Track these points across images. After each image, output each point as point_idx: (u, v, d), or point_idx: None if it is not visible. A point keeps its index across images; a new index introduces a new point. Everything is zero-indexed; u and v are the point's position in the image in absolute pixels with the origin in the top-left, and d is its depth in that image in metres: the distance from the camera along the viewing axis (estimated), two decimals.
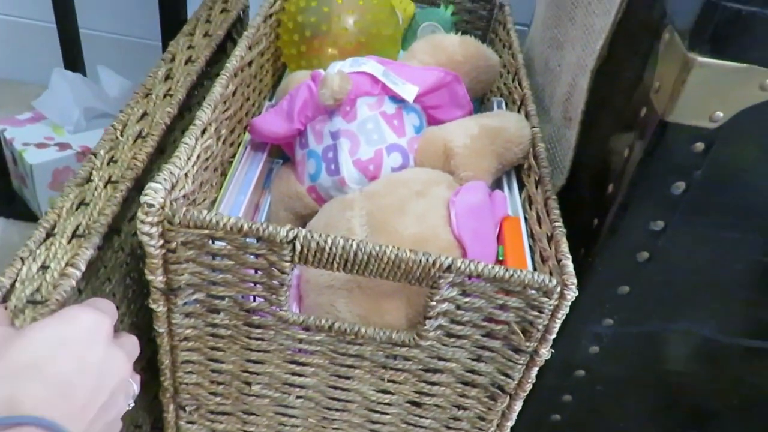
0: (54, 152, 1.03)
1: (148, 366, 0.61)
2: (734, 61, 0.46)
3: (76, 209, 0.53)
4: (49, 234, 0.51)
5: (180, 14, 1.07)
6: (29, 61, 1.36)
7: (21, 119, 1.09)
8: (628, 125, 0.55)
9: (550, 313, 0.50)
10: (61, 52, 1.15)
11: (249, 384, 0.60)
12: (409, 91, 0.64)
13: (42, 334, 0.39)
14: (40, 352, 0.38)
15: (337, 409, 0.62)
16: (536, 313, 0.51)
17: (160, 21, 1.08)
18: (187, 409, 0.63)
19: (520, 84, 0.74)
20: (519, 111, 0.71)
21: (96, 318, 0.41)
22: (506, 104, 0.79)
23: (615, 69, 0.61)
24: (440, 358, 0.56)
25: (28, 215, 1.10)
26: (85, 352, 0.39)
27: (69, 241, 0.51)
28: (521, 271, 0.48)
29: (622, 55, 0.60)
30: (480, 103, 0.84)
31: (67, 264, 0.48)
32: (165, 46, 1.06)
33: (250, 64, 0.71)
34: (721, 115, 0.48)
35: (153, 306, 0.53)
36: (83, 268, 0.48)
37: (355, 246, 0.47)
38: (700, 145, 0.50)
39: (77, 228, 0.52)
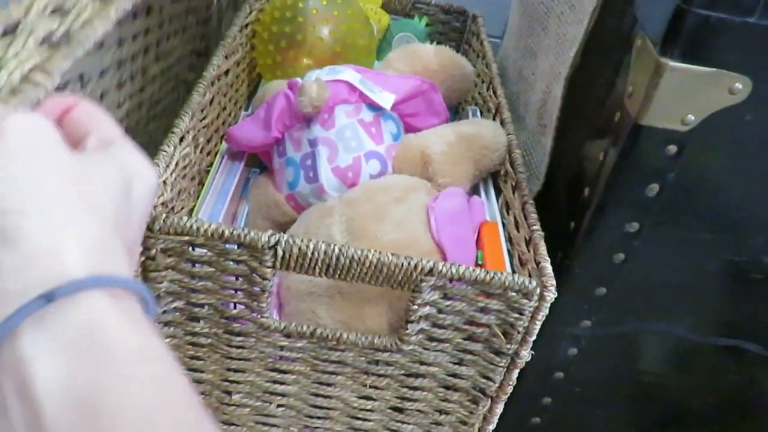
0: None
1: None
2: (704, 65, 0.47)
3: (49, 15, 0.37)
4: (7, 32, 0.35)
5: None
6: None
7: None
8: (602, 130, 0.57)
9: (530, 314, 0.51)
10: None
11: (229, 393, 0.59)
12: (386, 99, 0.65)
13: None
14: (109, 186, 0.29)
15: (318, 417, 0.61)
16: (516, 315, 0.51)
17: None
18: None
19: (494, 93, 0.75)
20: (494, 119, 0.72)
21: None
22: (481, 113, 0.80)
23: (588, 76, 0.62)
24: (422, 363, 0.56)
25: None
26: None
27: (38, 46, 0.35)
28: (502, 273, 0.49)
29: (595, 63, 0.61)
30: (455, 113, 0.85)
31: (33, 68, 0.33)
32: None
33: (226, 73, 0.71)
34: (693, 118, 0.50)
35: None
36: (58, 78, 0.34)
37: (337, 250, 0.48)
38: (672, 148, 0.51)
39: (50, 35, 0.36)
